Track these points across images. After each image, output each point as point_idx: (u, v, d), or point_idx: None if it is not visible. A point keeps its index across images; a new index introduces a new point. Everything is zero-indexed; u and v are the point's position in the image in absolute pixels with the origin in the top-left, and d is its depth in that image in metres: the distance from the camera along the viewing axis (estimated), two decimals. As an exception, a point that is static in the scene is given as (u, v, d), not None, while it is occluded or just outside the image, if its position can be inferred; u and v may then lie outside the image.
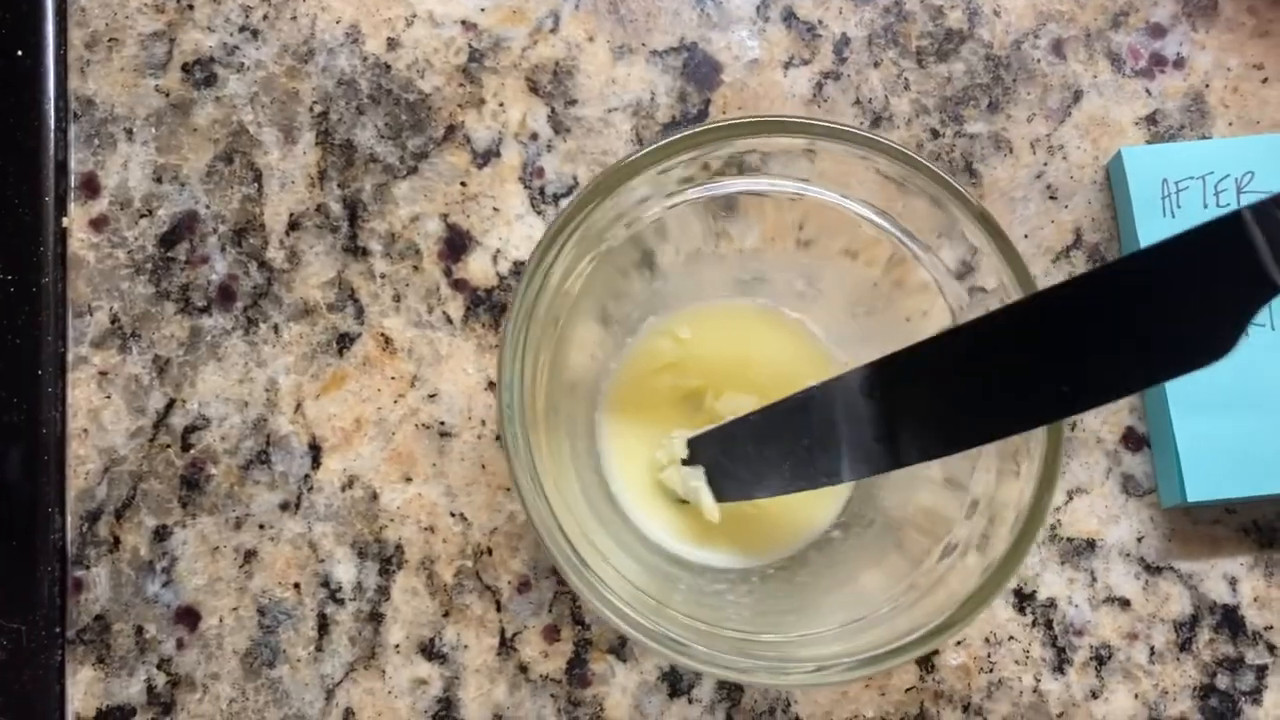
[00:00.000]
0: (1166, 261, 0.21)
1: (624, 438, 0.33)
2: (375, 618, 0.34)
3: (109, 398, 0.35)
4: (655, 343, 0.34)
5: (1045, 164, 0.36)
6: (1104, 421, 0.35)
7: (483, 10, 0.37)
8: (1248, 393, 0.34)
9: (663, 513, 0.33)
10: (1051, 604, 0.34)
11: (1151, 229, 0.34)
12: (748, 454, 0.30)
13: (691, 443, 0.32)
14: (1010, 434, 0.25)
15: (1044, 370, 0.23)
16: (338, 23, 0.37)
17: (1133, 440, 0.35)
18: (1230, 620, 0.34)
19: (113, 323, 0.36)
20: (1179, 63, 0.37)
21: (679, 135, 0.27)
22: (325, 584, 0.34)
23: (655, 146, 0.27)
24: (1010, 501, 0.27)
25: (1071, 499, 0.35)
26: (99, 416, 0.35)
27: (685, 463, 0.32)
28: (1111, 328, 0.22)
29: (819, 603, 0.31)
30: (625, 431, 0.33)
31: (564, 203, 0.35)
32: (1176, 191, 0.35)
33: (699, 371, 0.33)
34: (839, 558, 0.33)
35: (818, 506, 0.33)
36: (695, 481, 0.31)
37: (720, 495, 0.31)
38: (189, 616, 0.34)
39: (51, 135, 0.37)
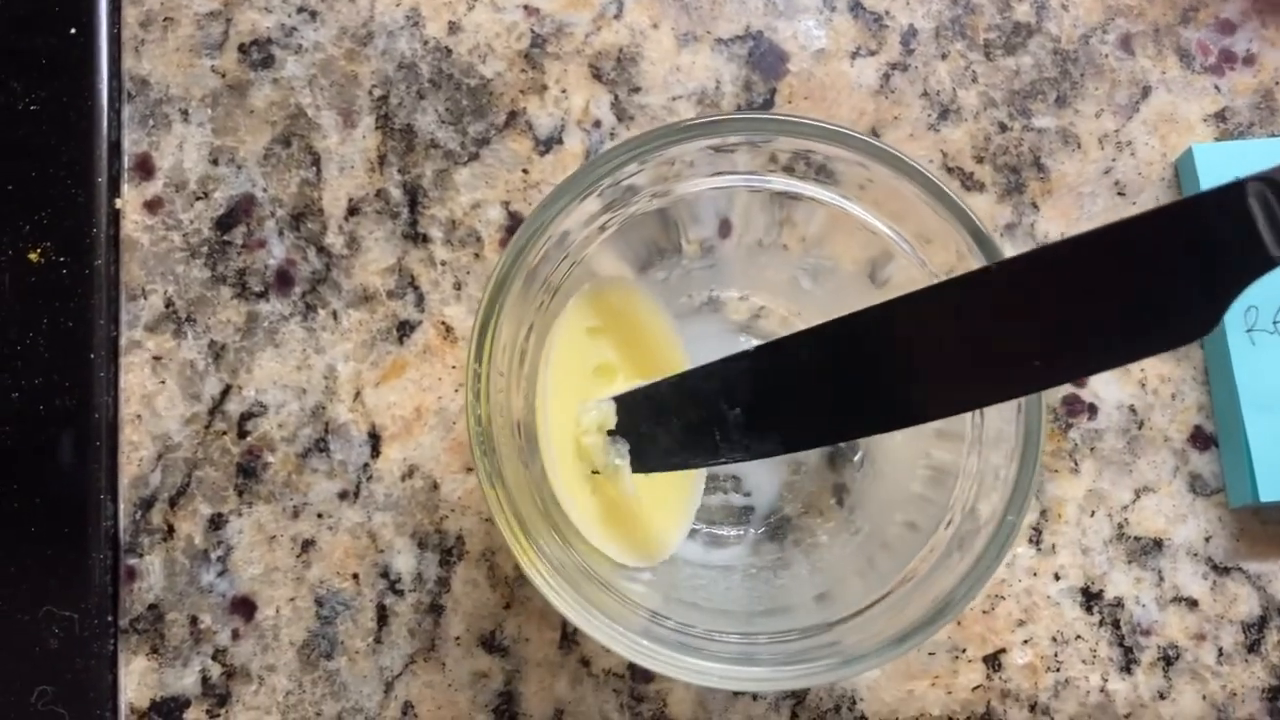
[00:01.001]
0: (1156, 229, 0.20)
1: (555, 397, 0.30)
2: (435, 609, 0.34)
3: (163, 383, 0.35)
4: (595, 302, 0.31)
5: (1113, 160, 0.36)
6: (1171, 420, 0.35)
7: (546, -5, 0.36)
8: (1317, 393, 0.34)
9: (581, 488, 0.30)
10: (1119, 603, 0.34)
11: (1224, 226, 0.34)
12: (675, 416, 0.28)
13: (618, 400, 0.29)
14: (978, 405, 0.25)
15: (1021, 339, 0.22)
16: (398, 5, 0.36)
17: (1200, 439, 0.35)
18: (1299, 622, 0.34)
19: (167, 307, 0.35)
20: (1249, 59, 0.36)
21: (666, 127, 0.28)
22: (385, 575, 0.34)
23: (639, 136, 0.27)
24: (986, 512, 0.27)
25: (1139, 498, 0.34)
26: (153, 402, 0.34)
27: (612, 432, 0.29)
28: (1093, 298, 0.21)
29: (797, 605, 0.31)
30: (557, 390, 0.30)
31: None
32: (1248, 189, 0.34)
33: (622, 346, 0.31)
34: (823, 562, 0.32)
35: (671, 520, 0.32)
36: (619, 459, 0.29)
37: (640, 464, 0.29)
38: (245, 607, 0.34)
39: (105, 115, 0.36)
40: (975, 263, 0.26)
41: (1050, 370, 0.22)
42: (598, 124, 0.36)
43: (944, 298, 0.23)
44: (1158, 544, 0.34)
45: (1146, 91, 0.36)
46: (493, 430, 0.27)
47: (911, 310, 0.24)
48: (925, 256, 0.28)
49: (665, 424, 0.29)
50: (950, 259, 0.28)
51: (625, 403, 0.29)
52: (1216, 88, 0.36)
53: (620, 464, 0.29)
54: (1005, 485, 0.27)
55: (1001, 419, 0.27)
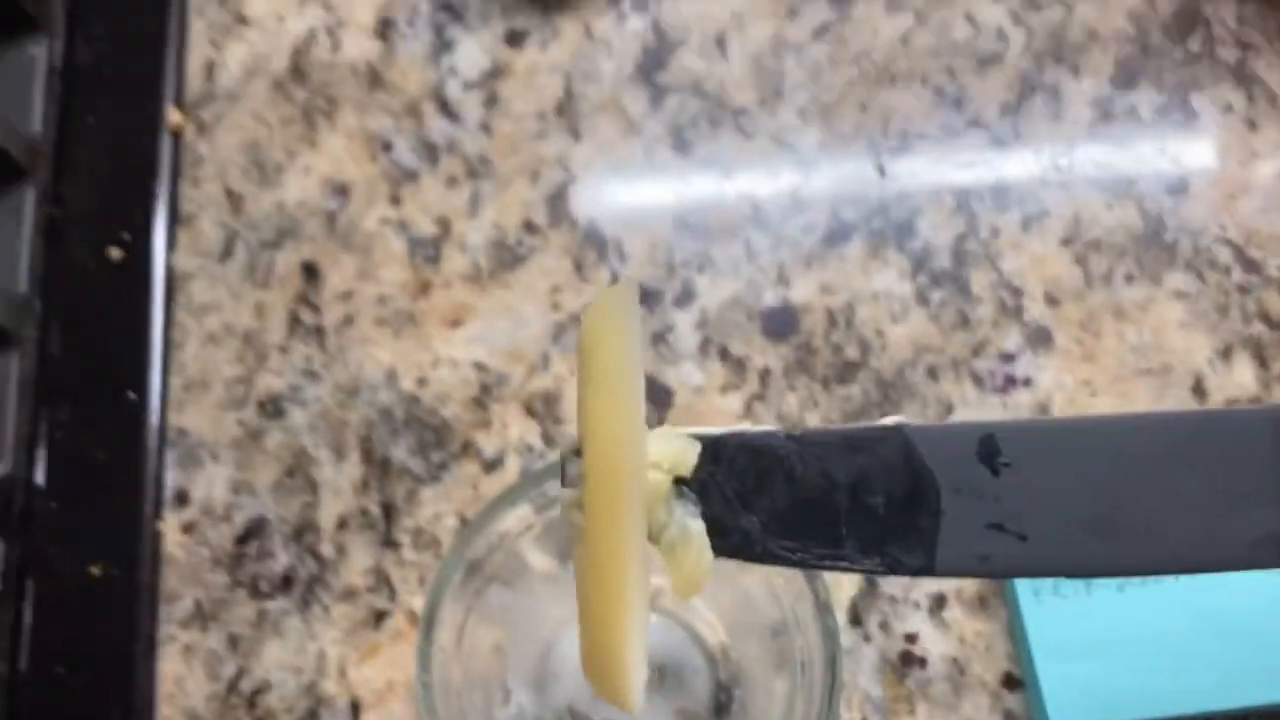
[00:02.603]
0: None
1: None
2: None
3: (191, 668, 0.44)
4: None
5: (928, 462, 0.47)
6: (986, 668, 0.44)
7: (491, 355, 0.48)
8: (1099, 639, 0.43)
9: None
10: (954, 822, 0.42)
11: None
12: (788, 486, 0.22)
13: (706, 441, 0.23)
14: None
15: None
16: (379, 366, 0.48)
17: (1010, 682, 0.44)
18: (1100, 832, 0.42)
19: (196, 607, 0.45)
20: (1027, 382, 0.48)
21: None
22: (361, 820, 0.42)
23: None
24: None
25: (965, 733, 0.43)
26: (183, 684, 0.44)
27: (681, 482, 0.22)
28: None
29: None
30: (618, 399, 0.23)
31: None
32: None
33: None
34: None
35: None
36: (690, 519, 0.22)
37: (720, 542, 0.22)
38: None
39: (152, 459, 0.47)
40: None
41: None
42: (530, 449, 0.47)
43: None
44: (983, 771, 0.43)
45: (950, 409, 0.47)
46: (434, 695, 0.36)
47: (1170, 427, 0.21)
48: None
49: (768, 494, 0.22)
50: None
51: (717, 447, 0.22)
52: (1004, 404, 0.47)
53: (693, 527, 0.22)
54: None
55: (819, 665, 0.37)
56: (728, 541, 0.22)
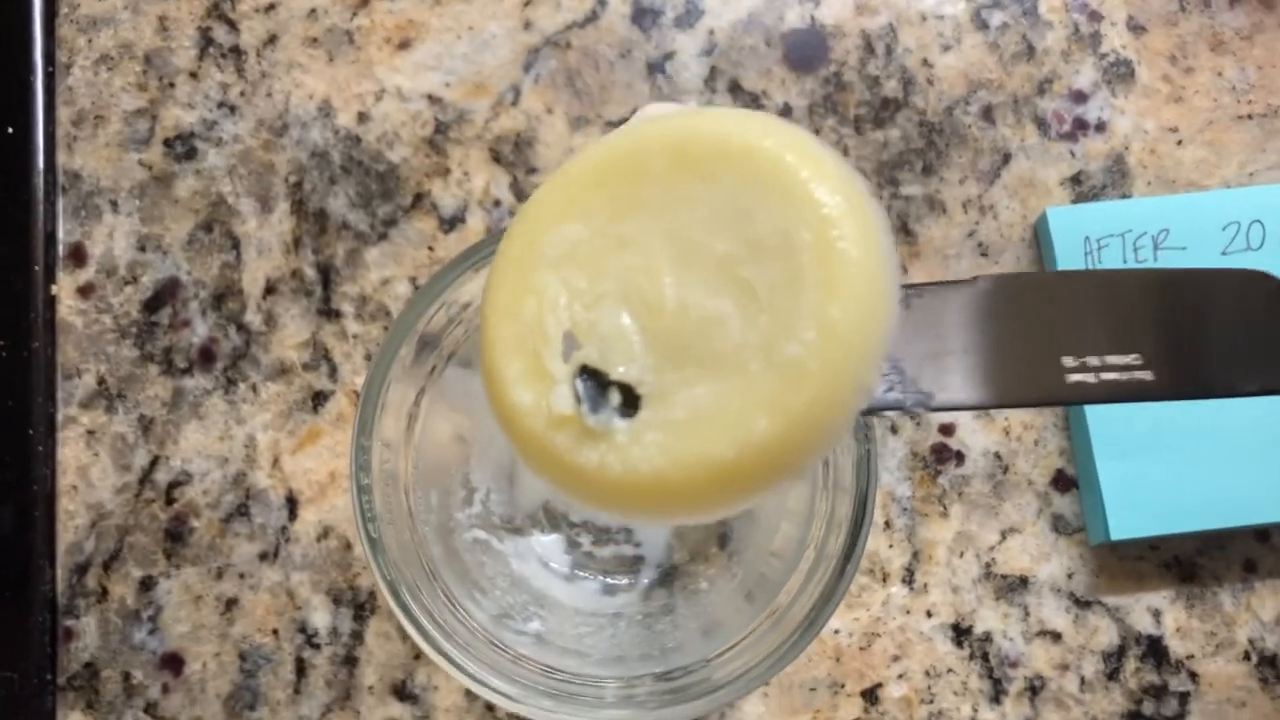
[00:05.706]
0: None
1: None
2: (350, 661, 0.36)
3: (96, 455, 0.37)
4: None
5: (977, 223, 0.39)
6: (1035, 465, 0.37)
7: (447, 85, 0.39)
8: (1166, 438, 0.36)
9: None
10: (988, 638, 0.36)
11: (1074, 284, 0.36)
12: None
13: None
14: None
15: None
16: (310, 98, 0.39)
17: (1061, 482, 0.37)
18: (1155, 650, 0.36)
19: (99, 384, 0.38)
20: (1100, 126, 0.39)
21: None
22: (302, 629, 0.36)
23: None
24: (833, 548, 0.30)
25: (1005, 538, 0.37)
26: (87, 473, 0.37)
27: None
28: None
29: (683, 644, 0.33)
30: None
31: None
32: (1098, 249, 0.37)
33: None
34: (705, 605, 0.35)
35: None
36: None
37: None
38: (174, 662, 0.36)
39: (40, 208, 0.39)
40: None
41: None
42: (498, 203, 0.39)
43: None
44: (1023, 581, 0.37)
45: (1007, 158, 0.39)
46: (375, 500, 0.29)
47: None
48: None
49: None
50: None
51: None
52: (1071, 153, 0.39)
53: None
54: (845, 526, 0.29)
55: (846, 470, 0.30)
56: None
